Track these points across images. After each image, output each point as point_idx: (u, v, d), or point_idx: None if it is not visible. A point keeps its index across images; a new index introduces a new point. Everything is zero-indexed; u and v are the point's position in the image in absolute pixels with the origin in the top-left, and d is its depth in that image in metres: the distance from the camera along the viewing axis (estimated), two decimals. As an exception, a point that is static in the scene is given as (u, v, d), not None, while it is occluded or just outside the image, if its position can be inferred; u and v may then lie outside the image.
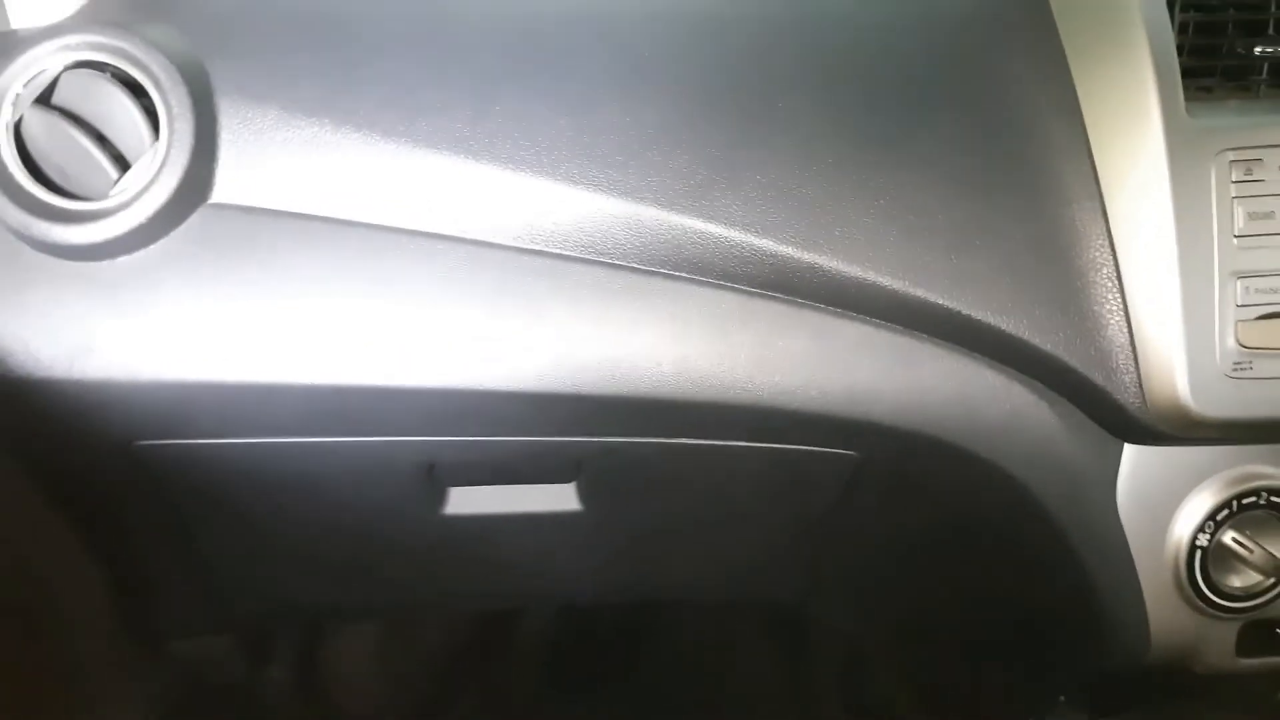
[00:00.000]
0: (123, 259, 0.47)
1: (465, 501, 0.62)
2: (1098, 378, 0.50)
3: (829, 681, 1.12)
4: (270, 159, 0.48)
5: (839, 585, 0.75)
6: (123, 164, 0.47)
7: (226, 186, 0.48)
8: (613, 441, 0.55)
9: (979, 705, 0.86)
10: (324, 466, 0.55)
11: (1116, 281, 0.50)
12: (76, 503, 0.57)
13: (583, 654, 1.14)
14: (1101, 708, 0.74)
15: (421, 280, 0.48)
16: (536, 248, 0.49)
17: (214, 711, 0.86)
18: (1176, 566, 0.54)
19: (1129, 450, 0.53)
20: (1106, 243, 0.50)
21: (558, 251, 0.50)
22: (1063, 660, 0.65)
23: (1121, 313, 0.50)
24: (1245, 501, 0.53)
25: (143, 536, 0.61)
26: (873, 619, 0.82)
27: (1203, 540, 0.53)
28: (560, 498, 0.63)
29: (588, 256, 0.50)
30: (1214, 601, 0.54)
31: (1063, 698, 0.74)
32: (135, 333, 0.47)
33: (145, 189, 0.46)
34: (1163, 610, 0.55)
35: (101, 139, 0.47)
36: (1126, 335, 0.50)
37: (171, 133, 0.47)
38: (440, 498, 0.61)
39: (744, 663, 1.14)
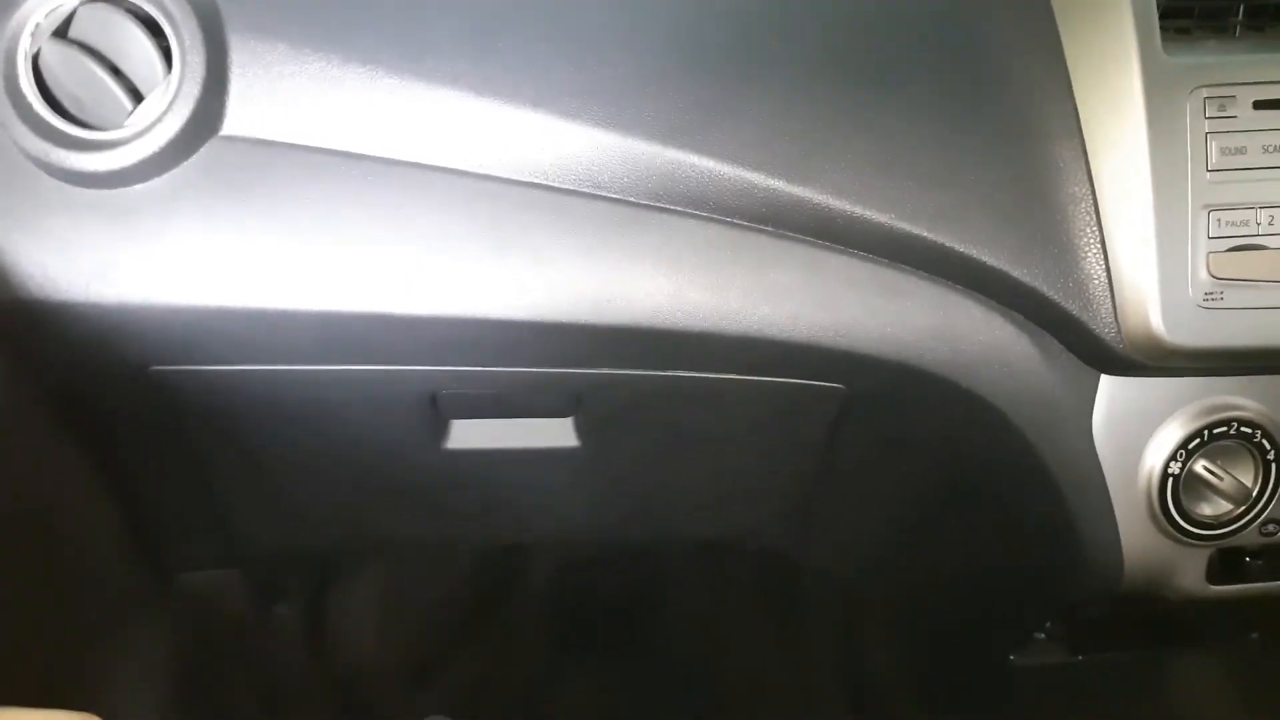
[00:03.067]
0: (137, 187, 0.49)
1: (466, 435, 0.64)
2: (1075, 309, 0.52)
3: (819, 636, 1.15)
4: (279, 93, 0.50)
5: (827, 525, 0.78)
6: (136, 96, 0.49)
7: (237, 119, 0.50)
8: (609, 373, 0.57)
9: (962, 647, 0.88)
10: (332, 394, 0.57)
11: (1094, 215, 0.52)
12: (94, 429, 0.59)
13: (583, 616, 1.17)
14: (1079, 645, 0.77)
15: (424, 211, 0.50)
16: (536, 181, 0.51)
17: (222, 648, 0.89)
18: (1149, 494, 0.56)
19: (1104, 381, 0.55)
20: (1085, 178, 0.52)
21: (556, 185, 0.51)
22: (1040, 590, 0.67)
23: (1099, 246, 0.52)
24: (1216, 431, 0.55)
25: (157, 466, 0.64)
26: (860, 561, 0.84)
27: (1174, 469, 0.55)
28: (559, 433, 0.65)
29: (585, 190, 0.51)
30: (1185, 529, 0.57)
31: (1041, 635, 0.77)
32: (150, 258, 0.49)
33: (158, 120, 0.48)
34: (1136, 538, 0.57)
35: (116, 71, 0.49)
36: (1103, 267, 0.52)
37: (184, 66, 0.48)
38: (442, 430, 0.63)
39: (737, 622, 1.17)
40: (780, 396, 0.59)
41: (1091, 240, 0.52)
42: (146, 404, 0.56)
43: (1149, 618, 0.72)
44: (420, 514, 0.72)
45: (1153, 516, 0.57)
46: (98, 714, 0.36)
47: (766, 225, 0.52)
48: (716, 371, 0.58)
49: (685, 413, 0.62)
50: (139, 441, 0.62)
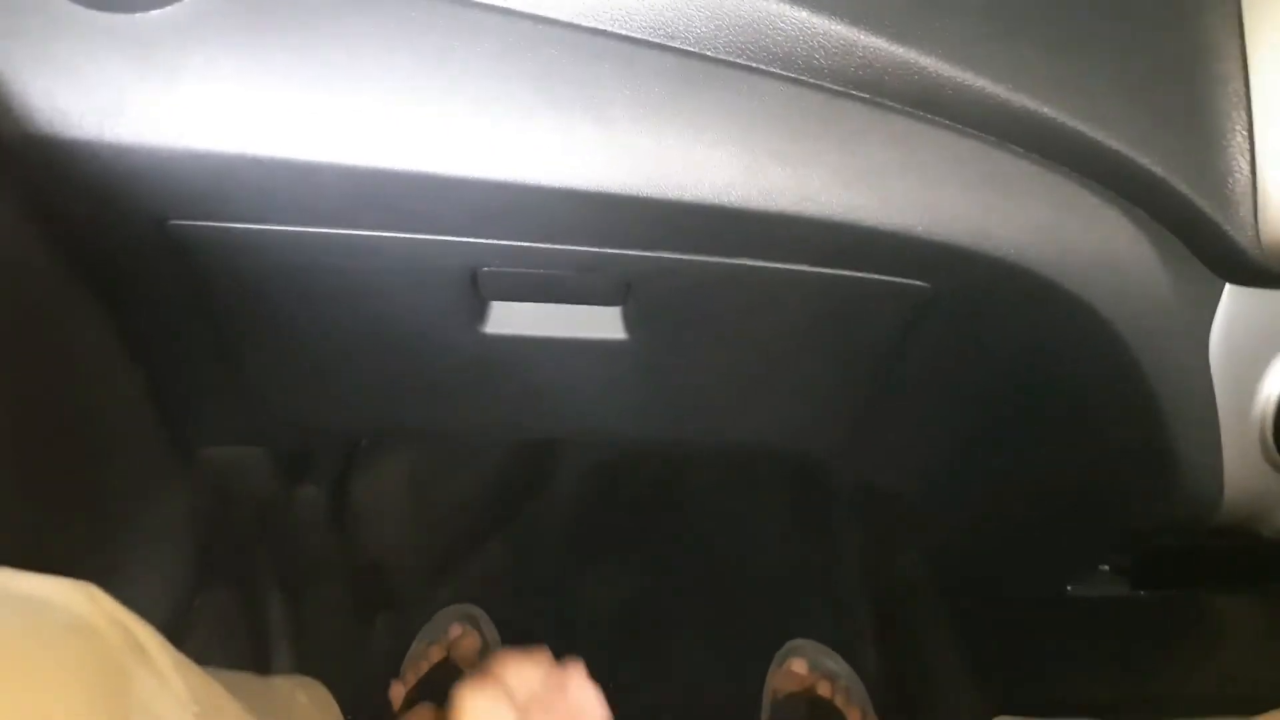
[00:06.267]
0: (155, 14, 0.43)
1: (507, 320, 0.60)
2: (1208, 206, 0.45)
3: (848, 545, 1.13)
4: (315, -90, 0.44)
5: (882, 435, 0.73)
6: (154, -95, 0.43)
7: (266, -62, 0.44)
8: (667, 257, 0.52)
9: (1012, 576, 0.84)
10: (363, 263, 0.52)
11: (1244, 100, 0.45)
12: (113, 288, 0.55)
13: (609, 514, 1.15)
14: (1142, 579, 0.72)
15: (472, 57, 0.44)
16: (599, 26, 0.45)
17: (243, 525, 0.87)
18: (1264, 422, 0.50)
19: (1229, 292, 0.49)
20: (1239, 56, 0.44)
21: (622, 32, 0.45)
22: (1120, 517, 0.62)
23: (1245, 136, 0.45)
24: (1351, 357, 0.49)
25: (179, 332, 0.60)
26: (914, 475, 0.79)
27: (1297, 396, 0.50)
28: (606, 324, 0.60)
29: (656, 40, 0.45)
30: (1299, 464, 0.51)
31: (1105, 567, 0.72)
32: (167, 95, 0.43)
33: (178, -68, 0.42)
34: (1241, 468, 0.52)
35: (130, -123, 0.43)
36: (1248, 161, 0.45)
37: None
38: (482, 312, 0.58)
39: (765, 528, 1.15)
40: (855, 293, 0.54)
41: (1237, 128, 0.45)
42: (167, 263, 0.52)
43: (1228, 553, 0.67)
44: (453, 400, 0.68)
45: (1264, 446, 0.51)
46: (115, 583, 0.34)
47: (862, 92, 0.45)
48: (787, 261, 0.52)
49: (745, 307, 0.57)
50: (160, 304, 0.57)
